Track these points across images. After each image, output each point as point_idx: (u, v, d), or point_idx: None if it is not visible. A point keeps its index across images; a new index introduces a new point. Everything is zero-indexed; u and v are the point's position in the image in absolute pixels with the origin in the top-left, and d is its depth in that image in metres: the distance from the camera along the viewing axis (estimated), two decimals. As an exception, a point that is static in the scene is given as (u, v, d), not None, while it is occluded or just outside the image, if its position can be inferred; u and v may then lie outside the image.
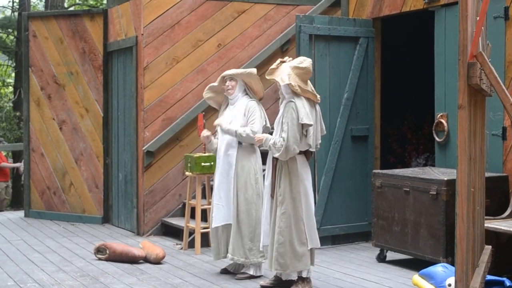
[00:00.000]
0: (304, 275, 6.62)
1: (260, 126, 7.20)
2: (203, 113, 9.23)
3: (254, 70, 7.46)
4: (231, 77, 7.34)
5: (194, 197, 8.76)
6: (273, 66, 7.09)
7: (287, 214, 6.51)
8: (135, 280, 7.18)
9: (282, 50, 10.05)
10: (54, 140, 11.04)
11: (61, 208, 11.02)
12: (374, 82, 9.15)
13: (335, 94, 8.81)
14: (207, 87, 7.62)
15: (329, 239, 8.70)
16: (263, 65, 9.88)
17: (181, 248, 8.71)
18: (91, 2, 25.13)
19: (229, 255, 7.20)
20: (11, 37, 24.15)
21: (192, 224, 8.65)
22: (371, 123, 9.08)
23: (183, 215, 9.22)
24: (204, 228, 8.57)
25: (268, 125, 7.44)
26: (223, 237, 7.36)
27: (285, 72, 6.64)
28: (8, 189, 15.83)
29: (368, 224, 8.67)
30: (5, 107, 22.72)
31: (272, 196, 6.70)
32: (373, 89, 9.13)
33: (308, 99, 6.65)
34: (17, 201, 15.98)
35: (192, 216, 8.71)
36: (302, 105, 6.52)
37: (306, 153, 6.72)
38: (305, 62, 6.76)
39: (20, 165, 14.47)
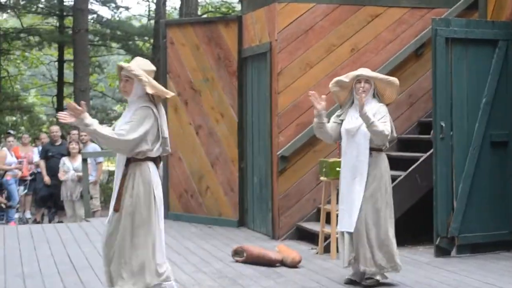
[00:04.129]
0: None
1: (389, 130, 6.95)
2: (337, 118, 9.21)
3: (397, 81, 7.15)
4: (367, 80, 7.09)
5: (329, 202, 8.67)
6: (345, 79, 7.18)
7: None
8: (273, 283, 7.19)
9: (417, 54, 9.88)
10: (191, 145, 11.21)
11: (198, 211, 11.17)
12: (515, 86, 8.80)
13: (473, 98, 8.53)
14: (334, 80, 7.30)
15: (468, 248, 8.43)
16: (397, 70, 9.78)
17: (317, 253, 8.66)
18: (223, 10, 25.47)
19: (361, 266, 6.98)
20: (147, 45, 24.80)
21: (327, 229, 8.60)
22: (512, 129, 8.75)
23: (317, 219, 9.15)
24: (339, 233, 8.52)
25: (395, 134, 7.27)
26: (345, 244, 7.18)
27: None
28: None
29: (509, 233, 8.39)
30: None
31: (116, 209, 6.05)
32: (514, 93, 8.77)
33: None
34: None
35: (327, 221, 8.64)
36: None
37: (156, 160, 6.29)
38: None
39: None
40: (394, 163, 9.44)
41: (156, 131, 6.12)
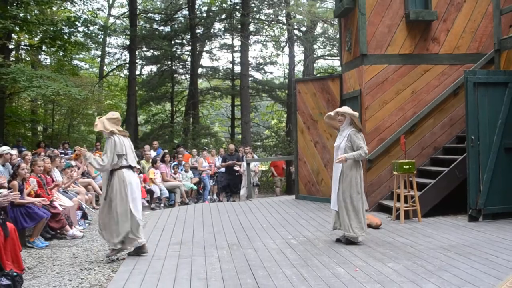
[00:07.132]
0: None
1: (366, 151, 6.58)
2: (404, 135, 9.08)
3: (356, 115, 6.75)
4: (342, 114, 6.77)
5: (398, 188, 8.56)
6: (332, 113, 6.77)
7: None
8: (364, 239, 7.11)
9: (455, 93, 9.56)
10: (311, 153, 11.24)
11: (316, 194, 11.17)
12: (520, 112, 8.41)
13: (492, 120, 8.22)
14: (326, 115, 7.00)
15: (490, 216, 8.13)
16: (441, 104, 9.54)
17: (391, 219, 8.56)
18: (330, 71, 25.46)
19: (343, 231, 6.76)
20: (284, 94, 25.15)
21: (398, 204, 8.49)
22: (519, 139, 8.36)
23: (391, 198, 9.04)
24: (406, 207, 8.37)
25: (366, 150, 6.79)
26: (332, 216, 6.98)
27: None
28: (282, 181, 16.46)
29: (517, 206, 8.04)
30: (281, 135, 23.69)
31: (105, 198, 6.28)
32: (520, 116, 8.38)
33: None
34: (288, 189, 16.52)
35: (398, 199, 8.52)
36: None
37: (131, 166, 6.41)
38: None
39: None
40: (441, 163, 9.27)
41: (119, 150, 6.20)
